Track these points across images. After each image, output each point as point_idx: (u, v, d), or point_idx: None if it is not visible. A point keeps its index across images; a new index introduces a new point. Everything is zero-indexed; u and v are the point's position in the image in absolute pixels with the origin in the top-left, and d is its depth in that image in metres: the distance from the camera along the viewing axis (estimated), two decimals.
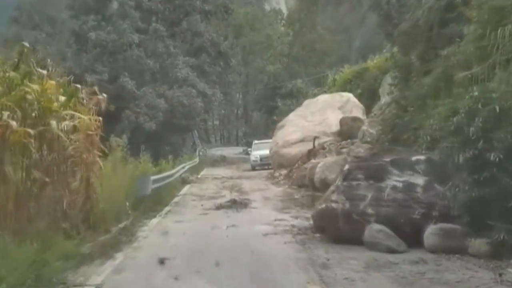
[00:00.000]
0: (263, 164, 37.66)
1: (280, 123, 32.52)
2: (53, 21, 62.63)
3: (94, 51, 45.05)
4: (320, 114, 30.57)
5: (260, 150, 38.79)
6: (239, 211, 15.67)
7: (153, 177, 17.25)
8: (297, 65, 77.12)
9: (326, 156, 26.35)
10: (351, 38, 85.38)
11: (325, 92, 42.25)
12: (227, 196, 19.98)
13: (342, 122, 29.44)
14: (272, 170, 32.14)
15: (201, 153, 51.32)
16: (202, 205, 17.14)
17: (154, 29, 46.39)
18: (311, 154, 27.42)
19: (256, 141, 42.35)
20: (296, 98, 57.47)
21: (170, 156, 28.02)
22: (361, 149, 18.01)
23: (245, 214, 15.23)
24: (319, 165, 19.96)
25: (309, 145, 28.16)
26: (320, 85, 57.05)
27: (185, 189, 23.93)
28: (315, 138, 27.59)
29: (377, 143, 19.11)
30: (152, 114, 42.95)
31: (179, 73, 44.75)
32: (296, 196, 19.26)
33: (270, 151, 32.10)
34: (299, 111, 32.37)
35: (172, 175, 21.76)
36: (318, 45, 79.95)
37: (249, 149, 43.11)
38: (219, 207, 16.40)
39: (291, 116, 32.34)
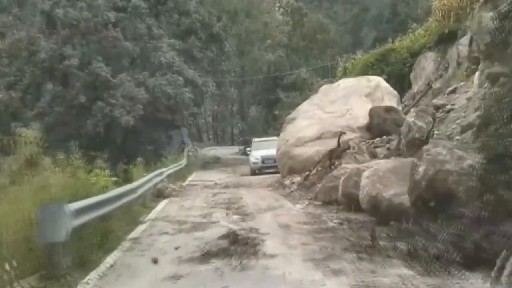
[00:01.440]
0: (266, 167, 30.70)
1: (291, 115, 25.30)
2: (22, 3, 55.15)
3: (62, 33, 37.77)
4: (343, 104, 23.45)
5: (262, 150, 31.74)
6: (243, 267, 8.26)
7: (92, 200, 9.72)
8: (297, 56, 70.15)
9: (355, 158, 19.40)
10: (356, 27, 79.28)
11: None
12: (222, 222, 12.84)
13: (372, 113, 22.47)
14: (279, 175, 25.14)
15: (190, 153, 44.02)
16: (176, 248, 9.78)
17: (134, 7, 39.12)
18: (334, 155, 20.41)
19: (256, 139, 35.18)
20: (300, 90, 50.43)
21: (139, 159, 20.69)
22: (440, 149, 10.70)
23: (257, 276, 7.82)
24: (366, 174, 12.81)
25: (330, 144, 21.31)
26: (328, 76, 50.05)
27: (159, 208, 16.48)
28: (341, 134, 20.52)
29: (477, 139, 11.78)
30: (130, 106, 35.77)
31: (163, 58, 37.47)
32: (331, 224, 12.06)
33: (277, 151, 24.86)
34: (315, 99, 25.12)
35: (134, 189, 14.23)
36: (319, 35, 73.56)
37: (248, 148, 35.91)
38: (206, 255, 8.95)
39: (305, 106, 25.12)
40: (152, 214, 14.74)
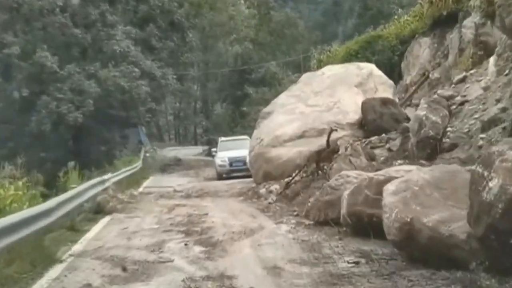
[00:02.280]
0: (234, 170, 26.74)
1: (266, 109, 20.97)
2: None
3: (2, 17, 33.04)
4: (329, 95, 19.46)
5: (230, 151, 27.64)
6: None
7: None
8: (265, 52, 65.91)
9: (350, 162, 15.37)
10: (326, 22, 75.80)
11: None
12: (178, 261, 8.69)
13: (366, 107, 18.65)
14: (250, 180, 21.40)
15: (148, 155, 39.46)
16: None
17: None
18: (322, 157, 16.37)
19: (223, 138, 30.80)
20: (269, 85, 46.37)
21: (71, 164, 16.29)
22: None
23: None
24: (391, 187, 8.74)
25: (315, 143, 17.74)
26: (299, 70, 45.90)
27: (93, 233, 11.84)
28: (331, 130, 16.45)
29: None
30: (79, 101, 31.25)
31: (117, 46, 32.92)
32: (343, 263, 8.06)
33: (249, 153, 20.69)
34: (295, 90, 20.82)
35: (46, 212, 9.65)
36: (287, 30, 69.57)
37: (213, 149, 31.45)
38: None
39: (283, 98, 20.83)
40: (79, 245, 10.27)
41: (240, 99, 49.57)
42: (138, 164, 30.95)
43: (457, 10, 22.46)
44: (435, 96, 17.02)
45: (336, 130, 16.59)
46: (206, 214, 13.84)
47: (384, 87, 19.61)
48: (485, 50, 19.98)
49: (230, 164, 27.21)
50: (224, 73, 58.29)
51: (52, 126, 31.81)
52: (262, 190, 17.48)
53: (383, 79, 20.03)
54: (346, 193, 10.52)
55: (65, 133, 32.60)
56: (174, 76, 37.77)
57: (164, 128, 72.38)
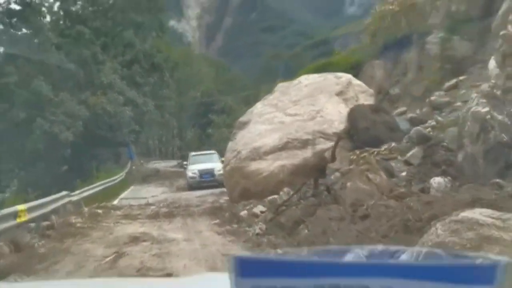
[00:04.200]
0: (204, 182, 17.73)
1: (242, 118, 11.78)
2: None
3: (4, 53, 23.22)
4: (310, 104, 10.76)
5: (199, 164, 18.58)
6: None
7: None
8: (224, 98, 57.72)
9: (368, 179, 6.30)
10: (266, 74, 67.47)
11: None
12: None
13: (355, 114, 10.00)
14: (220, 191, 12.95)
15: (134, 167, 29.85)
16: None
17: (78, 32, 24.99)
18: (322, 172, 7.65)
19: (193, 153, 21.17)
20: (228, 114, 37.75)
21: None
22: None
23: None
24: None
25: (299, 156, 9.15)
26: (252, 104, 37.46)
27: None
28: (339, 138, 7.71)
29: None
30: (70, 122, 21.64)
31: (105, 78, 23.53)
32: None
33: (224, 167, 11.64)
34: (271, 99, 11.73)
35: None
36: (237, 82, 62.54)
37: (184, 162, 22.17)
38: None
39: (259, 107, 11.80)
40: None
41: (206, 124, 40.90)
42: (119, 176, 21.48)
43: (410, 32, 14.65)
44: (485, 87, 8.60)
45: (343, 137, 7.98)
46: (170, 246, 4.83)
47: (365, 96, 11.20)
48: (451, 62, 12.19)
49: (200, 176, 18.10)
50: (194, 107, 49.34)
51: (46, 145, 22.12)
52: (243, 213, 8.64)
53: (363, 88, 11.58)
54: None
55: (57, 151, 22.81)
56: (153, 104, 28.43)
57: (151, 148, 62.58)
